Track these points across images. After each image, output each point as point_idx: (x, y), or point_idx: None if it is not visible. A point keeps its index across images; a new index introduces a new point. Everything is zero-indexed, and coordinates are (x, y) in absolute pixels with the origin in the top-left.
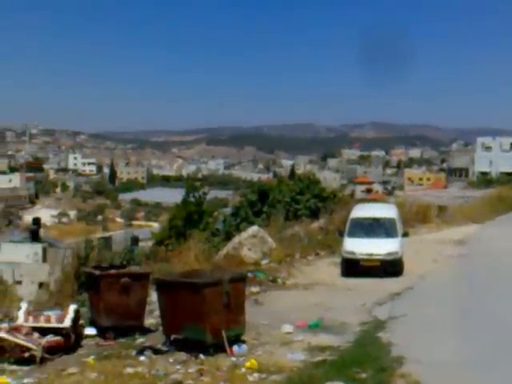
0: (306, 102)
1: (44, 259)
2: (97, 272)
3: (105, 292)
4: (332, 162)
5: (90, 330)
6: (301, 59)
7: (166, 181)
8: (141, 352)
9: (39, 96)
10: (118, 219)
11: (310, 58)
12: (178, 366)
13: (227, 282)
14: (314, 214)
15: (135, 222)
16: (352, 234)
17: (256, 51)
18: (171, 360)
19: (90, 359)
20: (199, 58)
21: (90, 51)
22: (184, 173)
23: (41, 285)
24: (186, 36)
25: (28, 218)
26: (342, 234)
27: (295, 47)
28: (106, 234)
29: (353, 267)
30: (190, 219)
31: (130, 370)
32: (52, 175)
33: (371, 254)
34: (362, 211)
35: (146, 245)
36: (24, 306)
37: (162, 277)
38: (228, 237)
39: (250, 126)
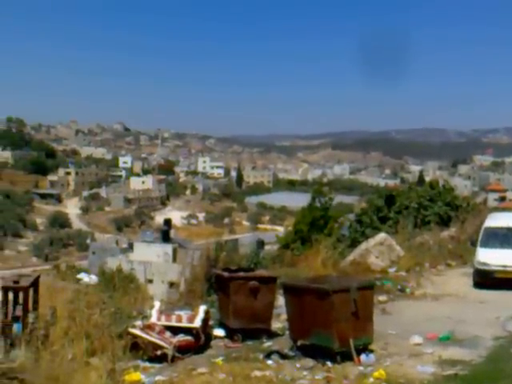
0: (436, 105)
1: (174, 259)
2: (226, 274)
3: (233, 294)
4: (463, 169)
5: (218, 332)
6: (430, 60)
7: (292, 185)
8: (268, 356)
9: (171, 102)
10: (245, 222)
11: (440, 59)
12: (305, 372)
13: (355, 289)
14: (444, 222)
15: (261, 226)
16: (485, 244)
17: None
18: (298, 365)
19: (219, 360)
20: (326, 66)
21: (218, 56)
22: (309, 177)
23: (171, 284)
24: (310, 45)
25: (159, 218)
26: (474, 244)
27: (423, 47)
28: (233, 237)
29: (486, 279)
30: (315, 224)
31: (257, 373)
32: (182, 178)
33: (506, 266)
34: (496, 220)
35: (271, 248)
36: (157, 304)
37: (289, 281)
38: (353, 243)
39: (377, 130)
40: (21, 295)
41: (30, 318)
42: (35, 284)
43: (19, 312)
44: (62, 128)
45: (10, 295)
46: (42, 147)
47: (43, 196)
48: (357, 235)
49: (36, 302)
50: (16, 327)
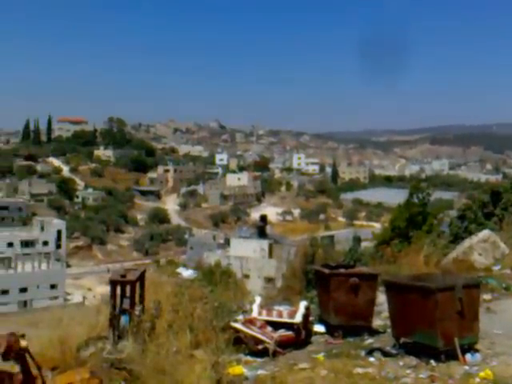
0: None
1: (270, 255)
2: (326, 271)
3: (334, 291)
4: None
5: (318, 327)
6: None
7: (388, 181)
8: (370, 353)
9: (266, 99)
10: (340, 218)
11: None
12: (409, 371)
13: (461, 287)
14: None
15: (357, 222)
16: None
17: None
18: (401, 363)
19: (320, 356)
20: (419, 59)
21: (310, 53)
22: (406, 173)
23: (267, 279)
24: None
25: (255, 214)
26: None
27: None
28: (329, 233)
29: None
30: (413, 221)
31: (359, 370)
32: (277, 174)
33: None
34: None
35: (367, 245)
36: (258, 299)
37: (392, 279)
38: (454, 240)
39: (477, 124)
40: (128, 288)
41: (137, 310)
42: (141, 278)
43: (126, 305)
44: (160, 127)
45: (118, 289)
46: (142, 146)
47: (143, 193)
48: (459, 231)
49: (142, 295)
50: (123, 319)
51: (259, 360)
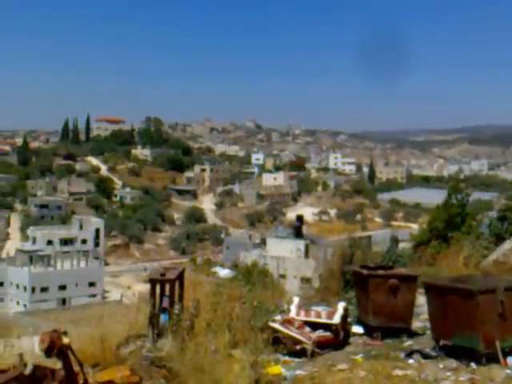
0: None
1: (306, 255)
2: (365, 272)
3: (373, 292)
4: None
5: (357, 329)
6: None
7: (426, 181)
8: (409, 355)
9: (302, 98)
10: (377, 219)
11: None
12: (449, 373)
13: (502, 289)
14: None
15: (394, 223)
16: None
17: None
18: (441, 366)
19: (359, 357)
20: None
21: (348, 50)
22: (445, 173)
23: (304, 280)
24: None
25: (291, 214)
26: None
27: None
28: (366, 234)
29: None
30: (451, 222)
31: (398, 372)
32: (313, 174)
33: None
34: None
35: (405, 246)
36: (296, 300)
37: (432, 280)
38: (494, 242)
39: None
40: (167, 287)
41: (176, 309)
42: (181, 277)
43: (166, 303)
44: (197, 126)
45: (158, 287)
46: (179, 145)
47: (180, 192)
48: (500, 232)
49: (181, 294)
50: (163, 318)
51: (297, 360)
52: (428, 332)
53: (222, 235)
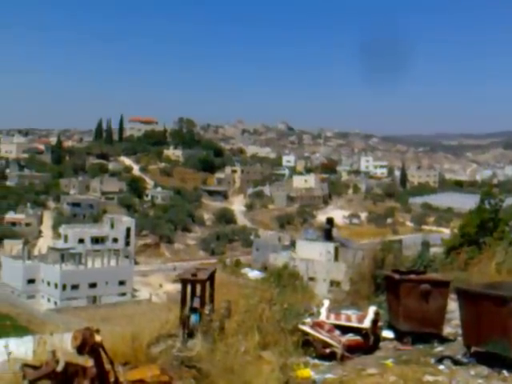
0: None
1: (336, 258)
2: (396, 276)
3: (404, 297)
4: None
5: (387, 333)
6: None
7: (459, 186)
8: (440, 361)
9: (334, 101)
10: (408, 223)
11: None
12: (480, 380)
13: None
14: None
15: (425, 227)
16: None
17: None
18: (472, 373)
19: (389, 362)
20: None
21: (379, 55)
22: (478, 178)
23: (333, 283)
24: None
25: (321, 217)
26: None
27: None
28: (397, 237)
29: None
30: (483, 227)
31: (429, 377)
32: (344, 177)
33: None
34: None
35: (436, 251)
36: (326, 303)
37: (465, 286)
38: None
39: None
40: (198, 287)
41: (206, 309)
42: (212, 277)
43: (197, 304)
44: (229, 128)
45: (189, 287)
46: (211, 146)
47: (211, 193)
48: None
49: (212, 294)
50: (193, 318)
51: (327, 364)
52: (459, 338)
53: (252, 237)
